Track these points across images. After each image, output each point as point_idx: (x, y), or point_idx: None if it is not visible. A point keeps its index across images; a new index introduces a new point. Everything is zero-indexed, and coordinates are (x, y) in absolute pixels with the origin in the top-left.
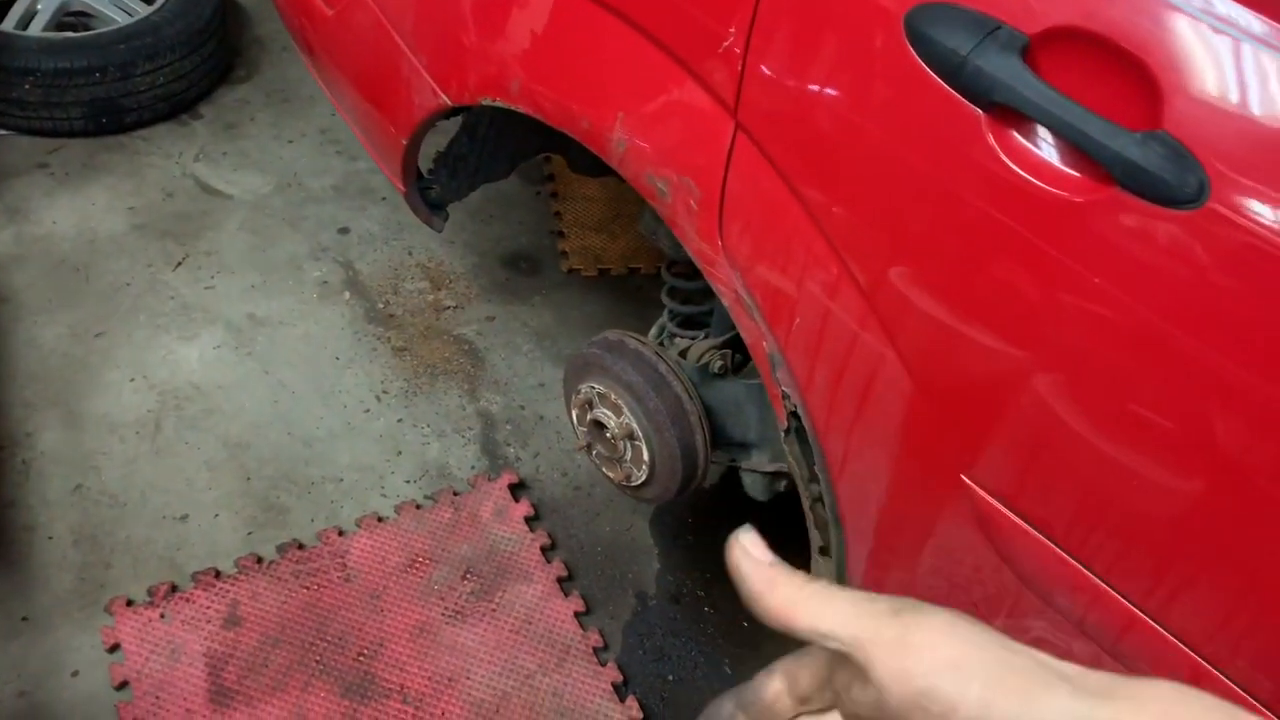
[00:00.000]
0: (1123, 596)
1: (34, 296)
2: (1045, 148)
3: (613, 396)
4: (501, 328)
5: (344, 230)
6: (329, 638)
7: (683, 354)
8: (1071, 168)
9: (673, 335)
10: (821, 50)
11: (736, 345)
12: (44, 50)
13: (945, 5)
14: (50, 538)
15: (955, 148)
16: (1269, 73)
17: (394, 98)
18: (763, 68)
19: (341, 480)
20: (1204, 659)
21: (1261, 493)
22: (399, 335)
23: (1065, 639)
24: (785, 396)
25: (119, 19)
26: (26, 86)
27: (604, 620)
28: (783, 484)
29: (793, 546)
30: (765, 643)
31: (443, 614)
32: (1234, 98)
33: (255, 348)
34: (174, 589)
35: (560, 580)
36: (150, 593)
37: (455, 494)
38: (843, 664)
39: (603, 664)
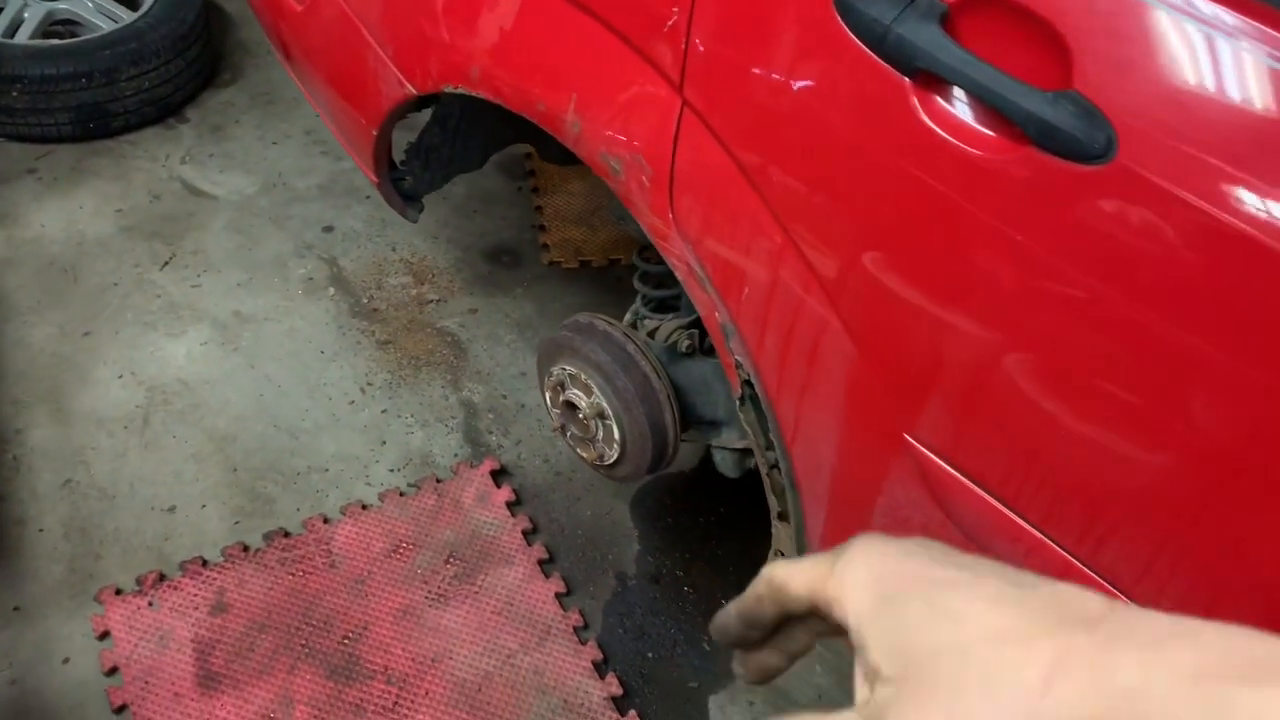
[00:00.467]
0: (1056, 544)
1: (24, 297)
2: (966, 111)
3: (583, 377)
4: (484, 319)
5: (328, 228)
6: (314, 622)
7: (651, 334)
8: (990, 128)
9: (644, 318)
10: (757, 25)
11: (704, 325)
12: (30, 57)
13: None
14: (41, 530)
15: (883, 114)
16: (1171, 32)
17: (362, 89)
18: (704, 45)
19: (327, 470)
20: (1133, 600)
21: (1176, 434)
22: (383, 329)
23: None
24: (738, 365)
25: (104, 26)
26: (14, 93)
27: (584, 601)
28: (753, 461)
29: (764, 521)
30: None
31: (426, 597)
32: (1139, 57)
33: (241, 344)
34: (162, 578)
35: (541, 563)
36: (139, 581)
37: (438, 481)
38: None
39: (583, 643)
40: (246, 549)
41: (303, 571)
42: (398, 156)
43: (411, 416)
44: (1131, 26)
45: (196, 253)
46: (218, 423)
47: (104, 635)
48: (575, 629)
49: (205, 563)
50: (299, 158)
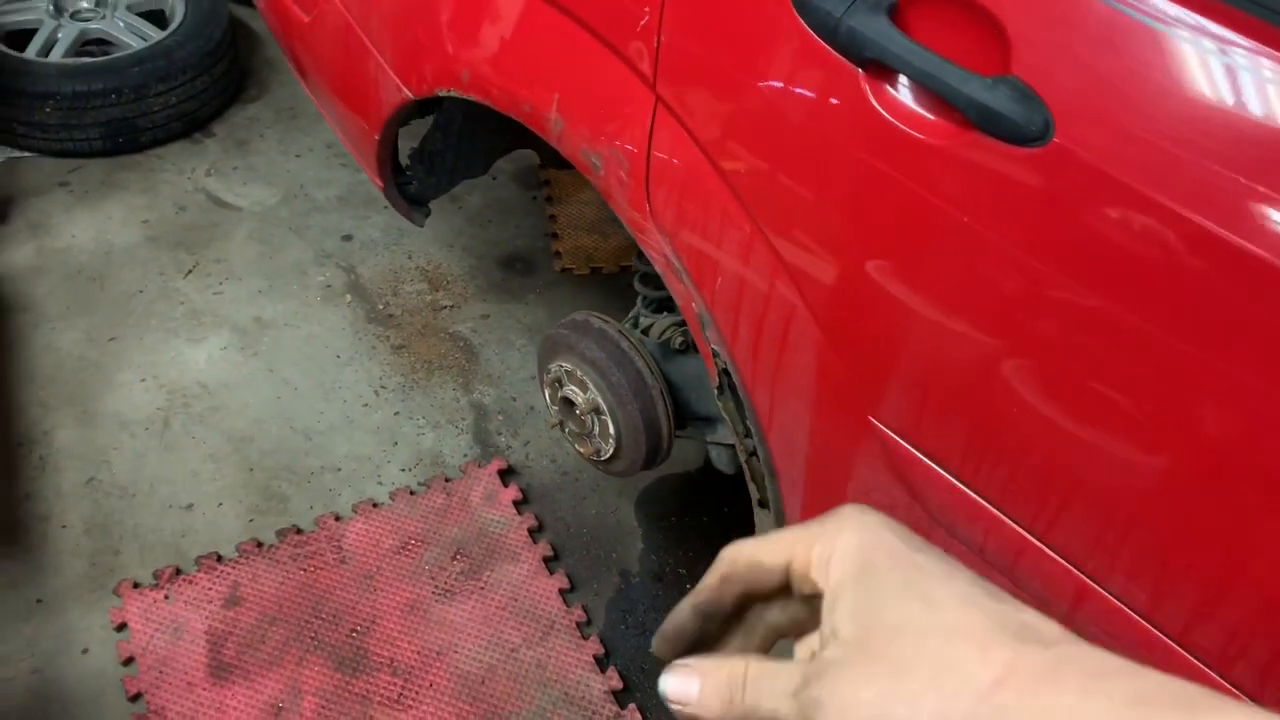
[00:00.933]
0: (1014, 522)
1: (53, 305)
2: (914, 98)
3: (578, 373)
4: (496, 325)
5: (347, 237)
6: (324, 616)
7: (645, 332)
8: (937, 115)
9: (640, 316)
10: (722, 21)
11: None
12: (63, 75)
13: None
14: (64, 527)
15: (839, 104)
16: (1105, 18)
17: (364, 94)
18: (674, 42)
19: (340, 470)
20: (1086, 575)
21: (1123, 412)
22: (398, 334)
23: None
24: (715, 355)
25: (135, 44)
26: (48, 110)
27: (588, 597)
28: None
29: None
30: None
31: (433, 592)
32: (1075, 42)
33: (260, 348)
34: (178, 572)
35: (546, 560)
36: (156, 576)
37: (447, 480)
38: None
39: (585, 638)
40: (260, 545)
41: (314, 567)
42: (404, 162)
43: (423, 418)
44: (1068, 13)
45: (219, 261)
46: (236, 424)
47: (121, 627)
48: (578, 624)
49: (220, 558)
50: (320, 170)
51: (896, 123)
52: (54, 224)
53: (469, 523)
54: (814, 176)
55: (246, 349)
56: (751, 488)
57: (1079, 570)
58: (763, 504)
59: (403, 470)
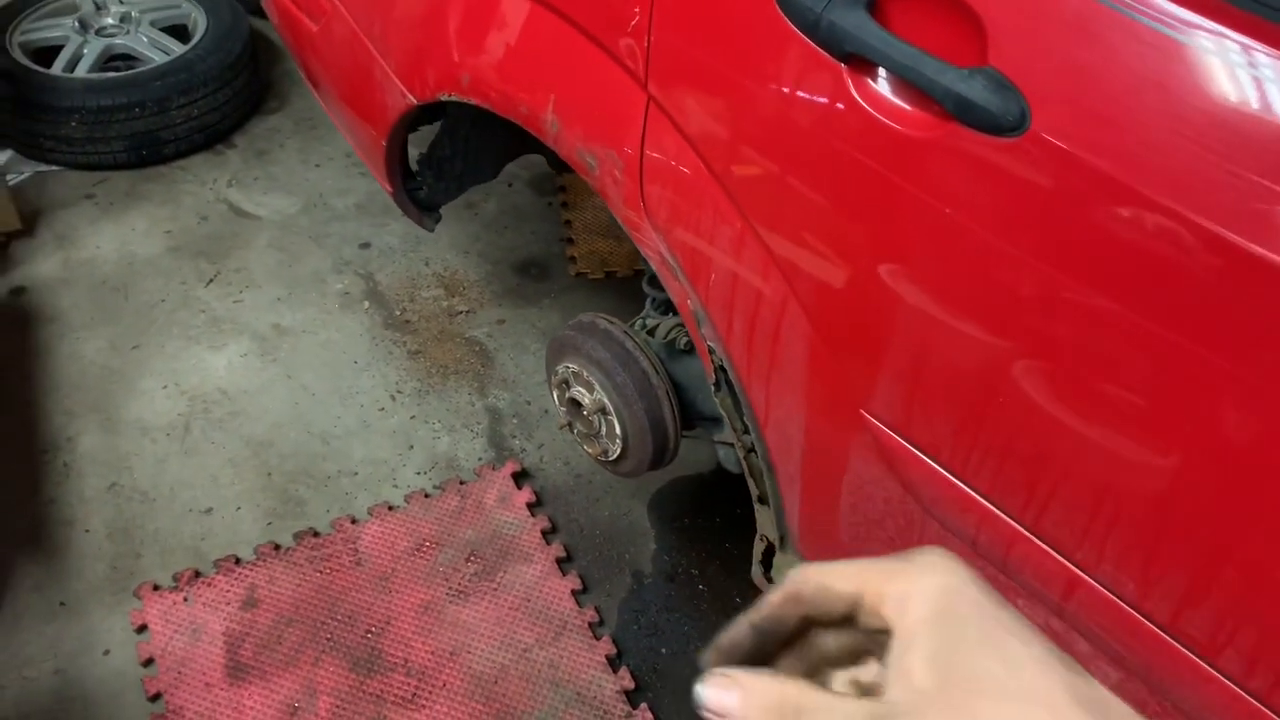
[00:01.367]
0: (1004, 514)
1: (78, 315)
2: (894, 91)
3: (585, 374)
4: (511, 329)
5: (365, 245)
6: (339, 617)
7: (651, 332)
8: (917, 107)
9: (647, 317)
10: (709, 19)
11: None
12: (88, 90)
13: None
14: (87, 531)
15: (823, 98)
16: (1079, 7)
17: (370, 101)
18: (663, 41)
19: (356, 473)
20: (1076, 566)
21: (1109, 401)
22: (414, 339)
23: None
24: (711, 351)
25: (157, 58)
26: (73, 124)
27: (600, 598)
28: None
29: None
30: None
31: (446, 593)
32: (1050, 32)
33: (279, 355)
34: (197, 574)
35: (559, 561)
36: (175, 578)
37: (462, 483)
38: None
39: (598, 638)
40: (277, 548)
41: (330, 569)
42: (414, 167)
43: (439, 422)
44: (1043, 3)
45: (239, 270)
46: (255, 429)
47: (142, 628)
48: (590, 625)
49: (238, 561)
50: (339, 179)
51: (878, 115)
52: (80, 236)
53: (483, 525)
54: (800, 171)
55: (266, 355)
56: (751, 484)
57: (1068, 561)
58: (762, 500)
59: (418, 473)
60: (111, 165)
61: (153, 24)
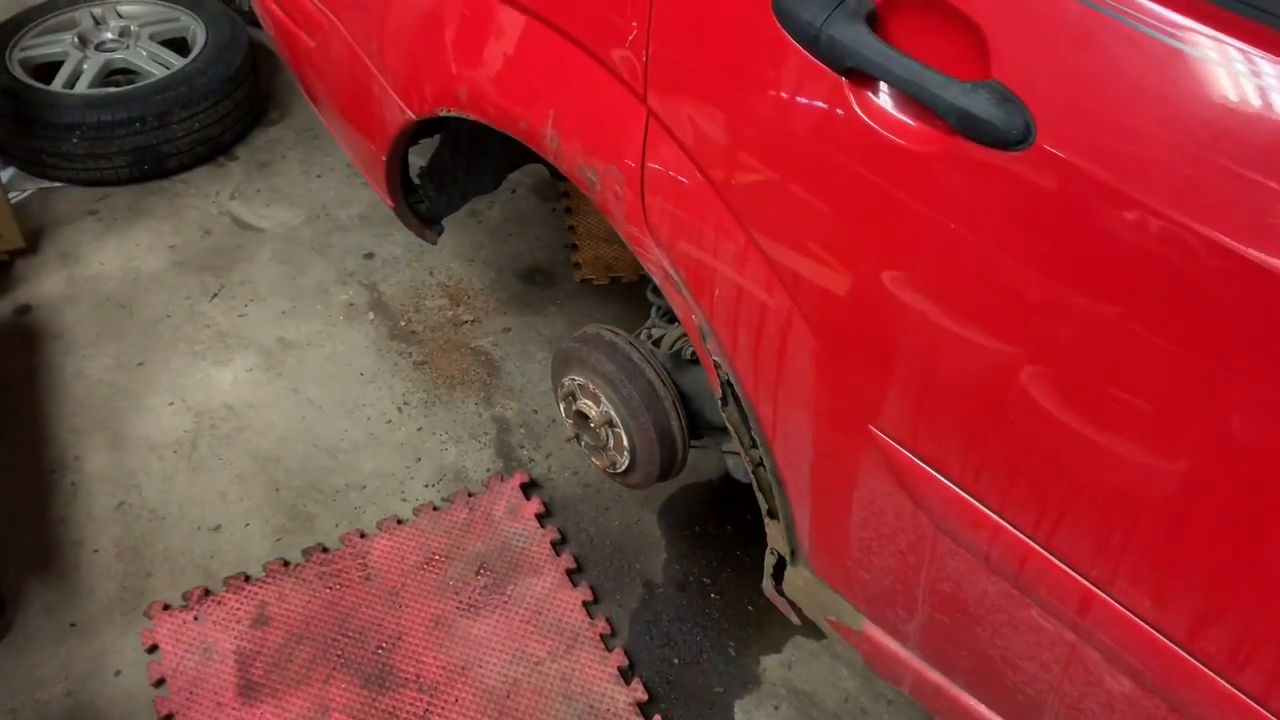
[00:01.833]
0: (1016, 529)
1: (83, 332)
2: (896, 105)
3: (591, 386)
4: (517, 338)
5: (369, 255)
6: (350, 633)
7: (656, 343)
8: (920, 121)
9: (653, 327)
10: (708, 33)
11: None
12: (88, 106)
13: None
14: (96, 551)
15: (823, 112)
16: (1081, 18)
17: (369, 116)
18: (661, 55)
19: (364, 487)
20: (1091, 583)
21: (1117, 414)
22: (419, 350)
23: (981, 581)
24: (717, 366)
25: (157, 73)
26: (75, 140)
27: (612, 609)
28: None
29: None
30: (770, 625)
31: (457, 607)
32: (1053, 44)
33: (285, 369)
34: (207, 593)
35: (569, 572)
36: (185, 597)
37: (470, 495)
38: None
39: (609, 650)
40: (287, 564)
41: (340, 585)
42: (415, 180)
43: (446, 434)
44: (1044, 14)
45: (244, 283)
46: (261, 445)
47: (152, 648)
48: (602, 636)
49: (248, 578)
50: (341, 189)
51: (881, 130)
52: (83, 252)
53: (492, 537)
54: (802, 186)
55: (271, 370)
56: (760, 498)
57: (1083, 577)
58: (772, 514)
59: (426, 486)
60: (114, 181)
61: (152, 38)
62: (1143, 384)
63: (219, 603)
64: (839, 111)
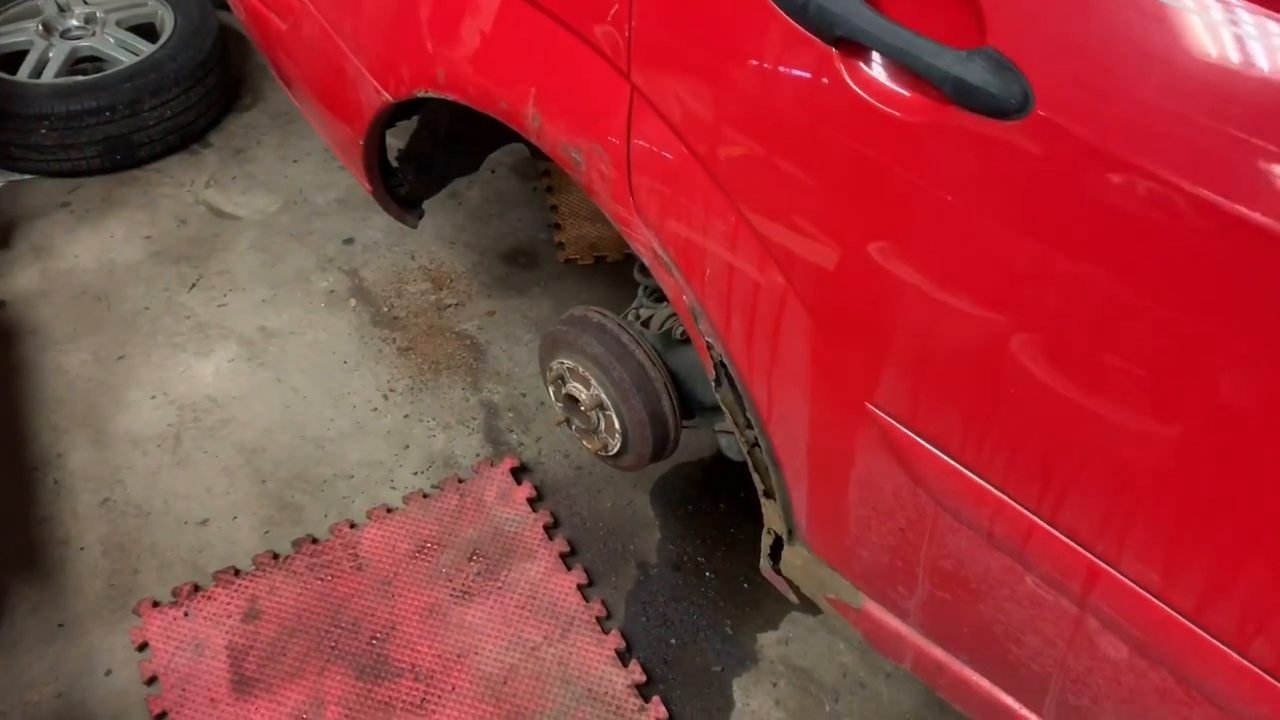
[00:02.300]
0: (1019, 504)
1: (60, 327)
2: (889, 75)
3: (580, 369)
4: (502, 321)
5: (349, 241)
6: (343, 624)
7: (645, 323)
8: (913, 91)
9: (641, 307)
10: (692, 6)
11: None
12: (55, 95)
13: None
14: (81, 549)
15: (814, 84)
16: None
17: (344, 100)
18: (645, 30)
19: (352, 476)
20: (1097, 557)
21: (1122, 385)
22: (403, 336)
23: (983, 557)
24: (710, 347)
25: (125, 60)
26: (43, 131)
27: (607, 591)
28: None
29: None
30: (766, 603)
31: (451, 595)
32: (1049, 8)
33: (267, 358)
34: (196, 588)
35: (563, 556)
36: (174, 593)
37: (460, 481)
38: None
39: (606, 632)
40: (276, 557)
41: (331, 576)
42: (394, 164)
43: (433, 420)
44: None
45: (222, 273)
46: (246, 436)
47: (143, 646)
48: (598, 619)
49: (237, 572)
50: (318, 174)
51: (873, 101)
52: (57, 245)
53: (484, 523)
54: (793, 160)
55: (254, 360)
56: (756, 479)
57: (1089, 551)
58: (768, 494)
59: (415, 473)
60: (85, 171)
61: (119, 24)
62: (1149, 355)
63: (209, 598)
64: (829, 83)
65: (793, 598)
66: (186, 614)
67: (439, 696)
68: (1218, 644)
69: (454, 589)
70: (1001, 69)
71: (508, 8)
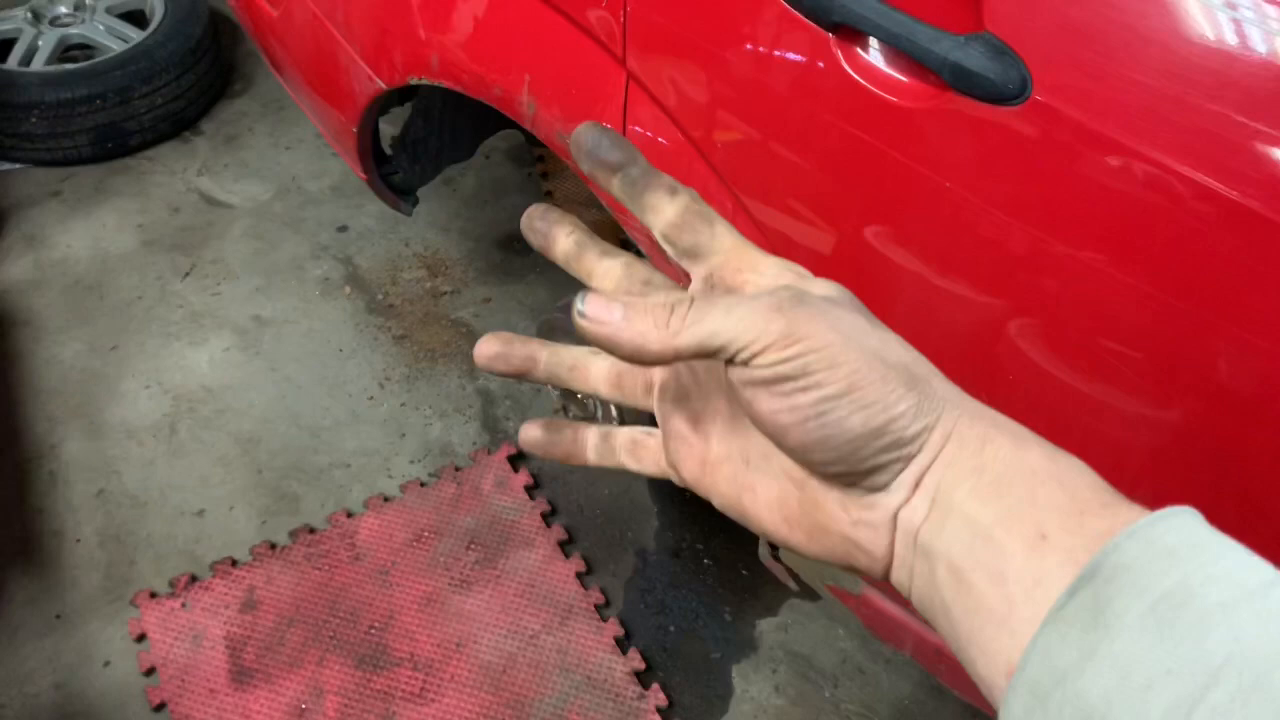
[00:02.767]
0: None
1: (53, 317)
2: (887, 61)
3: None
4: (498, 308)
5: (343, 228)
6: (341, 614)
7: None
8: (911, 77)
9: None
10: None
11: None
12: (45, 84)
13: None
14: (78, 540)
15: (811, 70)
16: None
17: (337, 87)
18: (640, 15)
19: (349, 466)
20: None
21: (1120, 369)
22: (399, 324)
23: None
24: None
25: (116, 47)
26: (33, 119)
27: (605, 579)
28: None
29: None
30: (765, 589)
31: (449, 584)
32: None
33: (262, 347)
34: (194, 579)
35: (561, 544)
36: (172, 584)
37: (457, 469)
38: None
39: (605, 620)
40: (274, 547)
41: (328, 565)
42: (387, 151)
43: (430, 408)
44: None
45: (216, 261)
46: (242, 426)
47: (141, 637)
48: (596, 607)
49: (235, 562)
50: (311, 161)
51: (871, 87)
52: (49, 235)
53: (481, 511)
54: (789, 146)
55: (248, 349)
56: None
57: None
58: None
59: (412, 462)
60: (77, 160)
61: (108, 11)
62: (1142, 337)
63: (206, 588)
64: (826, 68)
65: (792, 585)
66: (184, 605)
67: (438, 685)
68: None
69: (452, 578)
70: (999, 54)
71: None
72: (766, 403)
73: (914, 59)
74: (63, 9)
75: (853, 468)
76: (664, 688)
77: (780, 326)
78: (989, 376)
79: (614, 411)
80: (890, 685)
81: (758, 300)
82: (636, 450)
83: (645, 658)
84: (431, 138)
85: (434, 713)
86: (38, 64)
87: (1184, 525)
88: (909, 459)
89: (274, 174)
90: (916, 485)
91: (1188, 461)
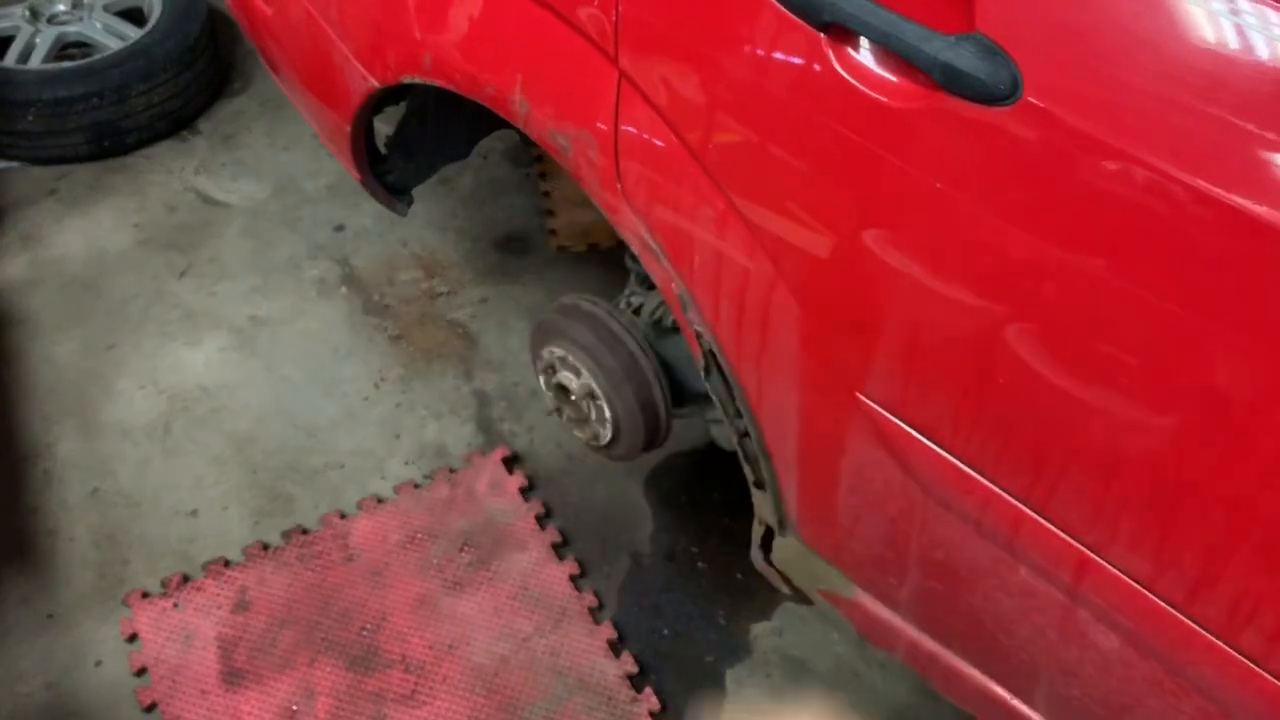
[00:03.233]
0: (1009, 494)
1: (49, 316)
2: (877, 61)
3: (571, 359)
4: (494, 308)
5: (339, 228)
6: (333, 615)
7: (636, 311)
8: (902, 77)
9: (632, 294)
10: None
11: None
12: (42, 81)
13: None
14: (71, 539)
15: (802, 70)
16: None
17: (331, 86)
18: (632, 14)
19: (343, 466)
20: (1087, 547)
21: (1113, 374)
22: (395, 324)
23: (973, 548)
24: (699, 335)
25: (113, 45)
26: (30, 118)
27: (599, 581)
28: None
29: None
30: (759, 593)
31: (442, 585)
32: None
33: (257, 347)
34: (186, 579)
35: (555, 546)
36: (164, 584)
37: (451, 471)
38: None
39: (598, 623)
40: (266, 547)
41: (321, 566)
42: (382, 150)
43: (425, 409)
44: None
45: (212, 261)
46: (237, 426)
47: (132, 637)
48: (590, 609)
49: (227, 563)
50: (309, 160)
51: (861, 87)
52: (45, 234)
53: (475, 513)
54: (781, 146)
55: (244, 349)
56: (746, 469)
57: (1078, 542)
58: (759, 485)
59: (406, 463)
60: (73, 158)
61: (106, 9)
62: (1141, 343)
63: (199, 589)
64: (818, 68)
65: (784, 589)
66: (176, 605)
67: (430, 688)
68: (1207, 635)
69: (445, 580)
70: (990, 54)
71: None
72: None
73: (905, 59)
74: (60, 7)
75: None
76: (657, 691)
77: None
78: (981, 379)
79: (607, 413)
80: (885, 690)
81: None
82: None
83: (639, 661)
84: (426, 137)
85: (425, 715)
86: (35, 61)
87: None
88: None
89: (271, 173)
90: None
91: (1179, 470)
